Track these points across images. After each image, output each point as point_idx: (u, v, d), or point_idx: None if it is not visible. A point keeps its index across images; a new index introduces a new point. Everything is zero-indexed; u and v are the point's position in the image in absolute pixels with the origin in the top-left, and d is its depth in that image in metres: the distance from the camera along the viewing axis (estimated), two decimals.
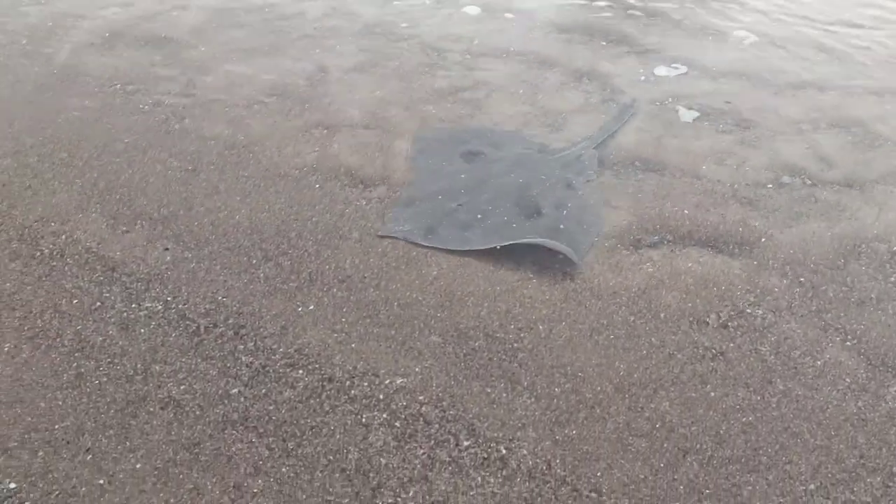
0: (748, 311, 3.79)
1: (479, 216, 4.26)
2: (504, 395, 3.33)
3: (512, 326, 3.67)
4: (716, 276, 4.00)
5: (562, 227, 4.20)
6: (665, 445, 3.11)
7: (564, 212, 4.32)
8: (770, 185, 4.75)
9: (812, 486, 2.97)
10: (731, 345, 3.60)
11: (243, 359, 3.50)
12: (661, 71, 6.07)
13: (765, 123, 5.43)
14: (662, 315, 3.74)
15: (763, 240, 4.25)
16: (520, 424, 3.20)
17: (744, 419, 3.22)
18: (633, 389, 3.35)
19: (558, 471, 3.01)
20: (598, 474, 3.00)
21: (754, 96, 5.80)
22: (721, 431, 3.17)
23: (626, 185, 4.69)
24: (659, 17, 7.06)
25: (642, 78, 5.99)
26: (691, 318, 3.73)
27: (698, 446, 3.11)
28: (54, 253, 4.08)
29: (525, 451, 3.08)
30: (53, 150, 4.95)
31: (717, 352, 3.55)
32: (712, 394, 3.34)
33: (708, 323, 3.72)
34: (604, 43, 6.54)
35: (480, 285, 3.91)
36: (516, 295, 3.85)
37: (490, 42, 6.50)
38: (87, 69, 6.03)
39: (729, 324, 3.71)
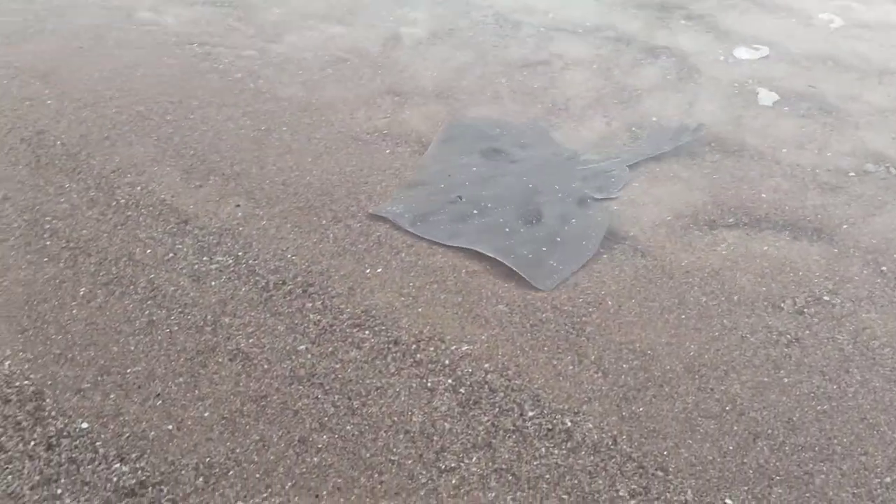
0: (826, 298, 3.67)
1: (475, 212, 4.05)
2: (570, 367, 3.29)
3: (580, 300, 3.62)
4: (793, 261, 3.88)
5: (558, 240, 3.91)
6: (735, 428, 3.04)
7: (566, 227, 3.99)
8: (852, 173, 4.59)
9: (888, 479, 2.88)
10: (807, 332, 3.49)
11: (311, 316, 3.51)
12: (741, 52, 5.89)
13: (848, 109, 5.24)
14: (736, 297, 3.65)
15: (844, 227, 4.11)
16: (586, 398, 3.16)
17: (818, 407, 3.13)
18: (703, 370, 3.28)
19: (624, 447, 2.96)
20: (665, 453, 2.95)
21: (838, 81, 5.60)
22: (794, 418, 3.09)
23: (702, 165, 4.58)
24: None
25: (721, 58, 5.83)
26: (766, 302, 3.63)
27: (769, 431, 3.03)
28: (129, 203, 4.15)
29: (591, 425, 3.05)
30: (131, 102, 5.02)
31: (792, 337, 3.46)
32: (786, 379, 3.26)
33: (783, 308, 3.61)
34: (683, 21, 6.37)
35: None
36: (585, 268, 3.79)
37: (565, 16, 6.39)
38: (166, 25, 6.09)
39: (805, 310, 3.61)
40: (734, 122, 5.00)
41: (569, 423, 3.05)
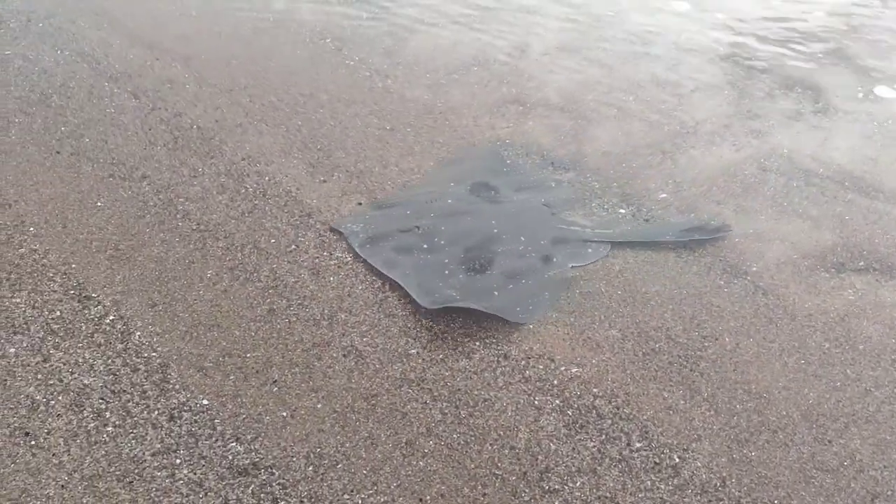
0: None
1: (424, 246, 3.89)
2: (682, 402, 3.24)
3: (696, 334, 3.55)
4: None
5: (495, 294, 3.68)
6: (852, 485, 2.93)
7: (511, 285, 3.73)
8: None
9: None
10: None
11: (423, 322, 3.57)
12: (882, 91, 5.65)
13: None
14: (861, 347, 3.52)
15: None
16: (696, 435, 3.10)
17: None
18: (821, 420, 3.17)
19: (733, 490, 2.90)
20: (776, 502, 2.87)
21: None
22: None
23: (834, 204, 4.42)
24: (888, 34, 6.57)
25: (860, 95, 5.61)
26: (894, 356, 3.48)
27: (889, 493, 2.91)
28: (258, 192, 4.30)
29: (699, 464, 2.99)
30: (263, 92, 5.19)
31: None
32: None
33: None
34: (820, 55, 6.16)
35: (666, 286, 3.80)
36: (703, 301, 3.72)
37: (697, 39, 6.27)
38: (301, 18, 6.27)
39: None
40: (870, 162, 4.81)
41: (677, 459, 3.00)
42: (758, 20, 6.64)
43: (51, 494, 2.86)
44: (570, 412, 3.18)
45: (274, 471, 2.94)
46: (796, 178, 4.62)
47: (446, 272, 3.78)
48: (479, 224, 4.08)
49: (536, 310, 3.63)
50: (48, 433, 3.06)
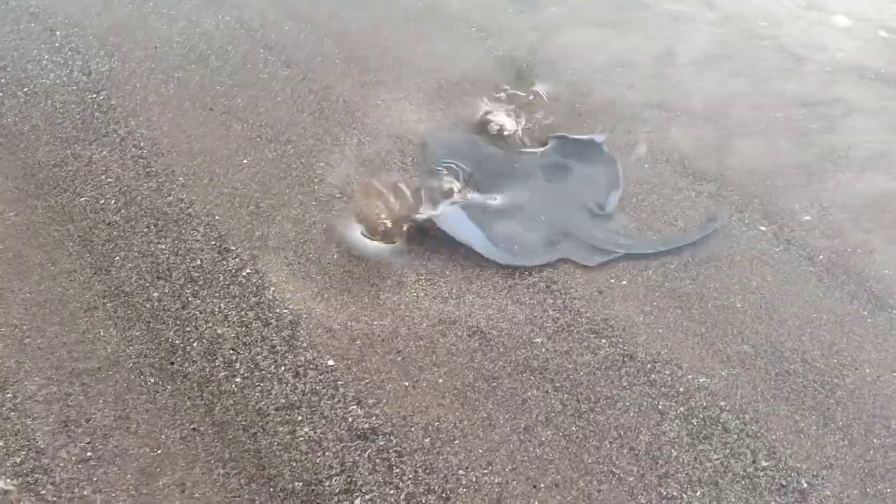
0: None
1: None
2: (814, 428, 3.10)
3: (835, 360, 3.39)
4: None
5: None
6: None
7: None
8: None
9: None
10: None
11: (550, 312, 3.54)
12: None
13: None
14: None
15: None
16: (827, 463, 2.96)
17: None
18: None
19: None
20: None
21: None
22: None
23: None
24: None
25: None
26: None
27: None
28: (395, 163, 4.35)
29: (829, 493, 2.86)
30: (410, 74, 5.25)
31: None
32: None
33: None
34: None
35: (805, 308, 3.65)
36: (844, 329, 3.55)
37: (856, 57, 5.97)
38: (448, 5, 6.31)
39: None
40: None
41: (805, 485, 2.88)
42: None
43: (184, 435, 2.98)
44: (694, 421, 3.09)
45: (392, 438, 2.97)
46: None
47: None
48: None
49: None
50: (184, 377, 3.19)
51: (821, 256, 3.98)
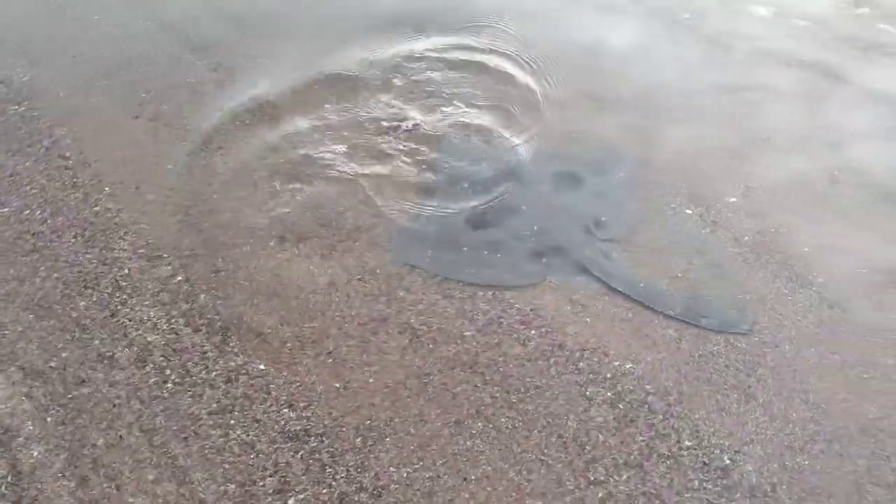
0: None
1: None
2: (735, 406, 3.19)
3: (755, 339, 3.49)
4: None
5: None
6: None
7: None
8: None
9: None
10: None
11: (481, 305, 3.58)
12: None
13: None
14: None
15: None
16: (748, 439, 3.06)
17: None
18: (880, 435, 3.09)
19: (783, 497, 2.85)
20: None
21: None
22: None
23: None
24: None
25: None
26: None
27: None
28: (324, 167, 4.36)
29: (750, 468, 2.95)
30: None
31: None
32: None
33: None
34: None
35: (731, 288, 3.74)
36: (766, 307, 3.66)
37: (777, 46, 6.11)
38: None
39: None
40: None
41: (727, 461, 2.97)
42: (840, 29, 6.46)
43: (110, 443, 2.97)
44: (621, 405, 3.16)
45: (324, 439, 3.00)
46: (870, 192, 4.48)
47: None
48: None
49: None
50: (111, 385, 3.18)
51: (746, 237, 4.09)
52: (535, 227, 4.00)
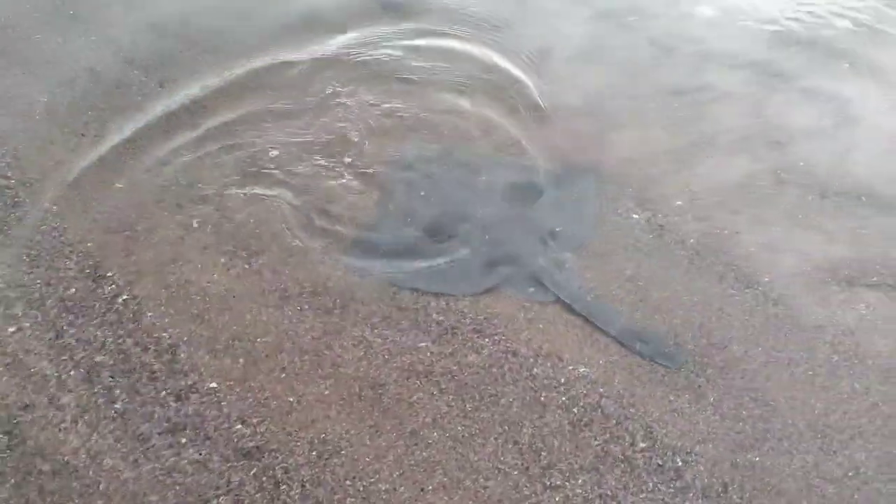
0: None
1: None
2: (687, 406, 3.24)
3: (704, 341, 3.55)
4: None
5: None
6: (855, 496, 2.92)
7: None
8: None
9: None
10: None
11: (434, 316, 3.59)
12: None
13: None
14: (870, 362, 3.50)
15: None
16: (700, 439, 3.11)
17: None
18: (827, 431, 3.17)
19: (734, 496, 2.90)
20: None
21: None
22: None
23: (850, 218, 4.38)
24: None
25: (884, 108, 5.56)
26: None
27: None
28: (273, 181, 4.33)
29: (702, 468, 3.00)
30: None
31: None
32: None
33: None
34: (846, 65, 6.11)
35: (678, 291, 3.80)
36: (714, 309, 3.72)
37: (721, 46, 6.23)
38: None
39: None
40: (891, 178, 4.77)
41: (680, 462, 3.01)
42: (783, 29, 6.61)
43: (57, 469, 2.90)
44: (575, 410, 3.19)
45: (277, 454, 2.97)
46: (813, 190, 4.59)
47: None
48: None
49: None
50: (57, 409, 3.11)
51: (691, 240, 4.15)
52: (488, 237, 4.01)
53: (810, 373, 3.43)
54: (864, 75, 5.96)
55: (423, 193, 4.28)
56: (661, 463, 3.00)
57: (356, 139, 4.63)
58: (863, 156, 4.96)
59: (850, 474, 3.00)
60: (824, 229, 4.30)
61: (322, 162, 4.45)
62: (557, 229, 4.12)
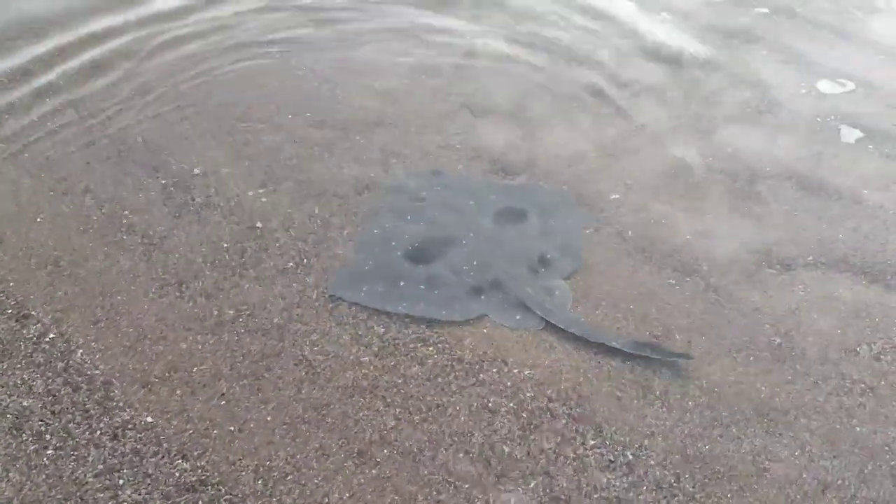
0: None
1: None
2: (635, 401, 3.24)
3: (647, 332, 3.56)
4: (870, 305, 3.76)
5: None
6: (804, 476, 2.94)
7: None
8: None
9: None
10: (883, 381, 3.37)
11: (375, 328, 3.52)
12: (824, 86, 5.74)
13: None
14: (810, 340, 3.54)
15: None
16: (649, 432, 3.10)
17: (893, 462, 3.01)
18: (772, 414, 3.19)
19: (687, 486, 2.90)
20: (730, 496, 2.87)
21: None
22: (866, 470, 2.98)
23: (781, 202, 4.45)
24: (826, 30, 6.67)
25: (803, 91, 5.69)
26: (841, 348, 3.52)
27: (839, 482, 2.93)
28: (203, 202, 4.22)
29: (653, 461, 2.98)
30: (208, 104, 5.11)
31: (867, 386, 3.34)
32: (858, 429, 3.15)
33: (858, 354, 3.50)
34: (764, 52, 6.24)
35: (619, 285, 3.81)
36: (655, 300, 3.73)
37: (643, 41, 6.31)
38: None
39: (882, 357, 3.48)
40: (815, 159, 4.87)
41: (630, 457, 3.00)
42: (704, 18, 6.72)
43: None
44: (524, 414, 3.15)
45: (221, 487, 2.86)
46: (742, 176, 4.66)
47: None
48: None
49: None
50: None
51: (630, 232, 4.18)
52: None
53: (752, 357, 3.46)
54: (782, 60, 6.09)
55: None
56: (612, 459, 2.98)
57: None
58: (787, 139, 5.06)
59: (796, 454, 3.02)
60: (755, 214, 4.37)
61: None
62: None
